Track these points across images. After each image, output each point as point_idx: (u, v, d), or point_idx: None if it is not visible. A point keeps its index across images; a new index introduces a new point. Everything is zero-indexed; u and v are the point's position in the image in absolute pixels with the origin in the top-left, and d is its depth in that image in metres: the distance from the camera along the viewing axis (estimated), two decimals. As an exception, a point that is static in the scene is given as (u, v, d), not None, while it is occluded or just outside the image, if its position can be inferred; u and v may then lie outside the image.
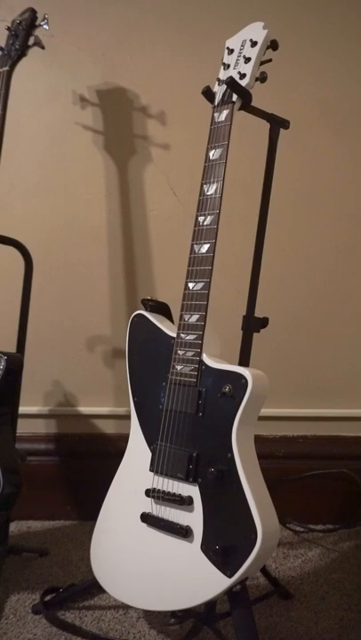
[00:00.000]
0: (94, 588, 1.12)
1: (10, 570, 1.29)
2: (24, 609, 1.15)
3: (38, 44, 1.31)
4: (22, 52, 1.31)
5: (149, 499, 1.02)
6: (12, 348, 1.28)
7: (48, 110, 1.58)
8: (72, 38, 1.56)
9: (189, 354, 1.00)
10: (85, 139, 1.59)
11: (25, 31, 1.31)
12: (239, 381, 0.93)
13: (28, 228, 1.49)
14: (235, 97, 1.04)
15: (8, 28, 1.33)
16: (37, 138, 1.58)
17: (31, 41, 1.32)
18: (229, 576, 0.89)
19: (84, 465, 1.59)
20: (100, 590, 1.09)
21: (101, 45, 1.57)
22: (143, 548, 1.01)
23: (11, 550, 1.31)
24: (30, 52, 1.33)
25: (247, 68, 1.04)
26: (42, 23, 1.31)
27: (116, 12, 1.56)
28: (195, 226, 1.03)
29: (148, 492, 1.01)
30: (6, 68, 1.30)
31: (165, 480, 1.00)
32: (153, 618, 1.12)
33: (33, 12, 1.33)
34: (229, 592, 0.92)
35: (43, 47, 1.31)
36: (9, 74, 1.30)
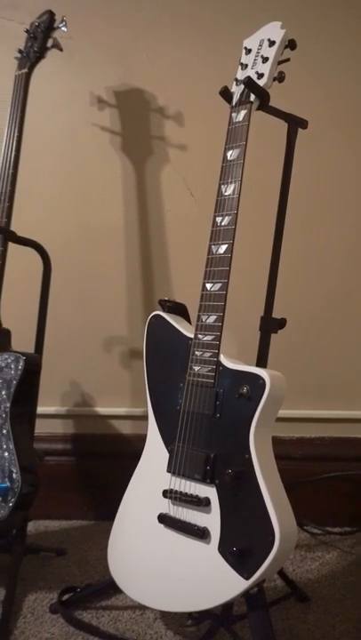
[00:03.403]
0: (111, 588, 1.12)
1: (27, 569, 1.30)
2: (42, 608, 1.16)
3: (56, 46, 1.32)
4: (41, 55, 1.32)
5: (167, 499, 1.02)
6: (31, 349, 1.29)
7: (66, 112, 1.59)
8: (89, 40, 1.57)
9: (207, 354, 1.00)
10: (103, 140, 1.59)
11: (43, 33, 1.32)
12: (257, 382, 0.93)
13: (45, 229, 1.50)
14: (252, 97, 1.04)
15: (27, 31, 1.34)
16: (55, 139, 1.59)
17: (49, 43, 1.33)
18: (247, 578, 0.89)
19: (101, 465, 1.60)
20: (117, 590, 1.09)
21: (119, 46, 1.58)
22: (160, 549, 1.01)
23: (28, 549, 1.31)
24: (48, 53, 1.34)
25: (265, 68, 1.03)
26: (60, 25, 1.32)
27: (132, 13, 1.57)
28: (212, 226, 1.03)
29: (166, 493, 1.01)
30: (25, 71, 1.31)
31: (183, 481, 1.00)
32: (170, 619, 1.12)
33: (51, 14, 1.33)
34: (246, 594, 0.91)
35: (61, 49, 1.32)
36: (28, 76, 1.32)
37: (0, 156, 1.29)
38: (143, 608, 1.14)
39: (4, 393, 1.19)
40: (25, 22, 1.39)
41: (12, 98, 1.31)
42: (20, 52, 1.34)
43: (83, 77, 1.58)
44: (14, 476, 1.14)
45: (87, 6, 1.57)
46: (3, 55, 1.50)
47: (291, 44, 1.04)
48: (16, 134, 1.29)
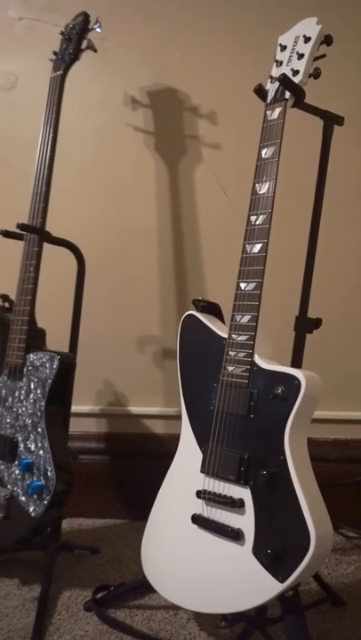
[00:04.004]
0: (144, 587, 1.12)
1: (62, 566, 1.31)
2: (76, 605, 1.17)
3: (91, 47, 1.33)
4: (75, 56, 1.33)
5: (200, 500, 1.01)
6: (65, 348, 1.30)
7: (100, 112, 1.60)
8: (123, 40, 1.58)
9: (241, 355, 0.99)
10: (136, 140, 1.60)
11: (78, 35, 1.33)
12: (292, 383, 0.91)
13: (79, 229, 1.51)
14: (287, 94, 1.02)
15: (62, 33, 1.36)
16: (89, 140, 1.61)
17: (84, 44, 1.34)
18: (281, 581, 0.88)
19: (134, 464, 1.60)
20: (151, 590, 1.09)
21: (152, 47, 1.58)
22: (194, 550, 1.00)
23: (63, 547, 1.33)
24: (83, 55, 1.34)
25: (300, 65, 1.02)
26: (94, 26, 1.33)
27: (165, 13, 1.57)
28: (247, 225, 1.02)
29: (199, 494, 1.01)
30: (60, 72, 1.33)
31: (216, 482, 0.99)
32: (203, 620, 1.12)
33: (86, 15, 1.34)
34: (281, 597, 0.90)
35: (95, 50, 1.33)
36: (63, 78, 1.33)
37: (35, 157, 1.31)
38: (177, 608, 1.14)
39: (39, 392, 1.20)
40: (60, 24, 1.40)
41: (47, 100, 1.32)
42: (55, 54, 1.35)
43: (116, 78, 1.59)
44: (49, 474, 1.15)
45: (120, 8, 1.58)
46: (38, 58, 1.52)
47: (327, 40, 1.02)
48: (51, 135, 1.30)
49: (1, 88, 1.62)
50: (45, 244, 1.28)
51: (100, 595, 1.18)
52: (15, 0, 1.61)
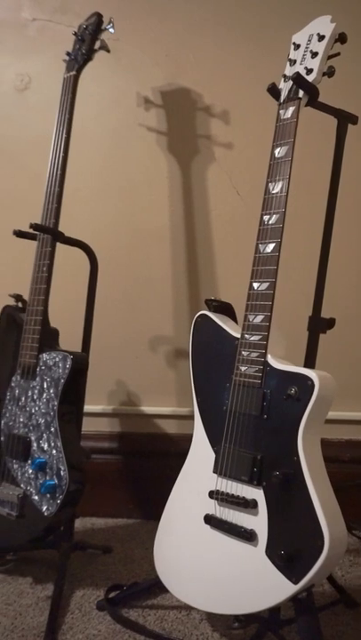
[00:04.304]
0: (157, 587, 1.12)
1: (75, 565, 1.31)
2: (89, 605, 1.17)
3: (104, 47, 1.33)
4: (89, 57, 1.33)
5: (213, 500, 1.01)
6: (78, 348, 1.31)
7: (113, 112, 1.61)
8: (136, 41, 1.58)
9: (254, 355, 0.99)
10: (149, 140, 1.60)
11: (91, 35, 1.33)
12: (305, 383, 0.91)
13: (92, 229, 1.52)
14: (301, 93, 1.02)
15: (75, 34, 1.36)
16: (102, 140, 1.61)
17: (97, 45, 1.34)
18: (295, 583, 0.87)
19: (147, 464, 1.60)
20: (163, 590, 1.09)
21: (165, 47, 1.58)
22: (206, 550, 1.00)
23: (76, 546, 1.33)
24: (96, 55, 1.35)
25: (314, 63, 1.01)
26: (107, 27, 1.33)
27: (178, 14, 1.57)
28: (260, 225, 1.02)
29: (212, 494, 1.01)
30: (73, 73, 1.33)
31: (229, 482, 0.99)
32: (216, 620, 1.12)
33: (99, 16, 1.34)
34: (295, 598, 0.90)
35: (108, 50, 1.33)
36: (76, 78, 1.33)
37: (48, 157, 1.31)
38: (189, 608, 1.14)
39: (51, 391, 1.20)
40: (73, 25, 1.41)
41: (60, 100, 1.33)
42: (68, 54, 1.36)
43: (129, 78, 1.59)
44: (62, 473, 1.15)
45: (134, 8, 1.58)
46: (52, 58, 1.53)
47: (341, 38, 1.02)
48: (64, 136, 1.30)
49: (15, 89, 1.63)
50: (58, 245, 1.29)
51: (112, 594, 1.18)
52: (28, 1, 1.61)
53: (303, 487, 0.89)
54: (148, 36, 1.58)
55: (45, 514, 1.16)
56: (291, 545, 0.89)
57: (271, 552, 0.91)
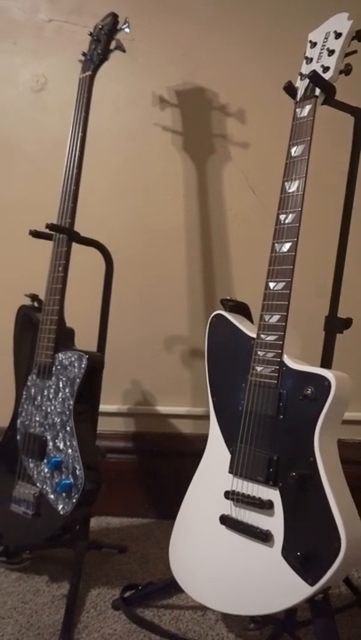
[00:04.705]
0: (172, 587, 1.12)
1: (90, 564, 1.32)
2: (104, 604, 1.17)
3: (120, 47, 1.33)
4: (104, 57, 1.34)
5: (228, 501, 1.01)
6: (93, 348, 1.31)
7: (128, 112, 1.61)
8: (152, 40, 1.58)
9: (270, 355, 0.98)
10: (164, 139, 1.60)
11: (107, 35, 1.33)
12: (322, 383, 0.90)
13: (107, 228, 1.52)
14: (318, 91, 1.01)
15: (90, 34, 1.36)
16: (118, 140, 1.61)
17: (113, 45, 1.34)
18: (311, 584, 0.86)
19: (162, 464, 1.60)
20: (178, 590, 1.09)
21: (181, 46, 1.58)
22: (222, 551, 1.00)
23: (91, 545, 1.34)
24: (112, 55, 1.35)
25: (331, 61, 1.01)
26: (123, 27, 1.33)
27: (193, 13, 1.57)
28: (276, 224, 1.01)
29: (228, 495, 1.00)
30: (89, 73, 1.33)
31: (245, 482, 0.99)
32: (232, 621, 1.11)
33: (114, 16, 1.35)
34: (311, 600, 0.89)
35: (124, 50, 1.33)
36: (91, 78, 1.33)
37: (64, 157, 1.32)
38: (205, 609, 1.14)
39: (67, 391, 1.21)
40: (89, 26, 1.41)
41: (76, 100, 1.33)
42: (83, 55, 1.36)
43: (145, 78, 1.59)
44: (77, 472, 1.16)
45: (149, 8, 1.58)
46: (68, 59, 1.54)
47: (358, 36, 1.01)
48: (80, 135, 1.31)
49: (31, 90, 1.63)
50: (74, 245, 1.29)
51: (128, 593, 1.18)
52: (45, 2, 1.62)
53: (320, 488, 0.88)
54: (164, 36, 1.58)
55: (61, 513, 1.16)
56: (307, 546, 0.88)
57: (287, 553, 0.91)
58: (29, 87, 1.64)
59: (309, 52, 1.05)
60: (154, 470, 1.62)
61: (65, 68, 1.59)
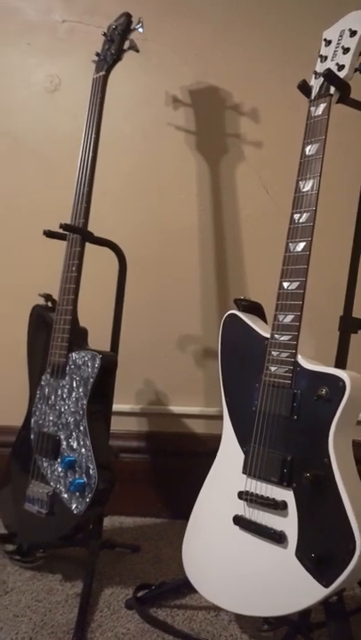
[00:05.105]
0: (185, 587, 1.12)
1: (103, 564, 1.32)
2: (117, 603, 1.18)
3: (133, 47, 1.33)
4: (118, 57, 1.34)
5: (242, 501, 1.00)
6: (106, 347, 1.31)
7: (142, 112, 1.61)
8: (165, 40, 1.58)
9: (284, 355, 0.98)
10: (178, 139, 1.60)
11: (120, 35, 1.33)
12: (336, 384, 0.90)
13: (121, 229, 1.52)
14: (332, 89, 1.01)
15: (104, 34, 1.36)
16: (131, 140, 1.61)
17: (126, 45, 1.34)
18: (325, 586, 0.86)
19: (175, 463, 1.60)
20: (191, 590, 1.08)
21: (194, 46, 1.57)
22: (235, 551, 1.00)
23: (105, 545, 1.34)
24: (125, 55, 1.35)
25: (346, 59, 1.00)
26: (137, 27, 1.33)
27: (207, 13, 1.56)
28: (290, 224, 1.01)
29: (241, 495, 1.00)
30: (102, 73, 1.33)
31: (259, 483, 0.98)
32: (245, 622, 1.11)
33: (128, 16, 1.35)
34: (325, 602, 0.89)
35: (137, 50, 1.33)
36: (105, 78, 1.33)
37: (78, 157, 1.32)
38: (218, 609, 1.14)
39: (81, 390, 1.21)
40: (102, 26, 1.41)
41: (89, 100, 1.34)
42: (97, 55, 1.36)
43: (158, 77, 1.59)
44: (91, 472, 1.16)
45: (162, 8, 1.58)
46: (81, 59, 1.54)
47: (374, 33, 1.00)
48: (93, 136, 1.31)
49: (45, 90, 1.64)
50: (87, 244, 1.29)
51: (141, 593, 1.18)
52: (59, 3, 1.63)
53: (334, 489, 0.88)
54: (177, 36, 1.58)
55: (75, 512, 1.17)
56: (321, 548, 0.88)
57: (301, 554, 0.90)
58: (43, 88, 1.64)
59: (324, 50, 1.04)
60: (167, 470, 1.62)
61: (78, 69, 1.60)
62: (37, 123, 1.65)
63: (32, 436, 1.30)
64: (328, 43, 1.03)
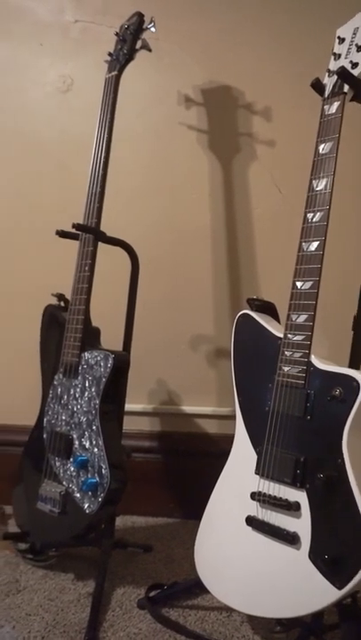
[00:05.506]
0: (197, 587, 1.12)
1: (115, 563, 1.32)
2: (129, 603, 1.18)
3: (145, 47, 1.33)
4: (130, 56, 1.34)
5: (255, 502, 1.00)
6: (119, 347, 1.31)
7: (154, 111, 1.61)
8: (177, 39, 1.57)
9: (297, 355, 0.97)
10: (190, 138, 1.59)
11: (132, 35, 1.33)
12: (350, 384, 0.89)
13: (133, 228, 1.52)
14: (346, 87, 1.00)
15: (116, 34, 1.36)
16: (143, 139, 1.61)
17: (138, 44, 1.34)
18: (339, 588, 0.85)
19: (187, 463, 1.60)
20: (203, 590, 1.08)
21: (206, 45, 1.57)
22: (248, 552, 0.99)
23: (117, 544, 1.34)
24: (137, 55, 1.35)
25: (359, 57, 0.99)
26: (149, 26, 1.33)
27: (218, 11, 1.56)
28: (303, 223, 1.00)
29: (254, 496, 1.00)
30: (115, 73, 1.33)
31: (271, 484, 0.98)
32: (257, 623, 1.10)
33: (140, 16, 1.35)
34: (339, 604, 0.88)
35: (150, 50, 1.33)
36: (117, 78, 1.34)
37: (90, 157, 1.32)
38: (230, 610, 1.13)
39: (93, 390, 1.21)
40: (114, 26, 1.41)
41: (102, 100, 1.34)
42: (109, 55, 1.36)
43: (170, 77, 1.59)
44: (103, 471, 1.16)
45: (174, 8, 1.57)
46: (94, 59, 1.54)
47: (388, 31, 0.99)
48: (106, 136, 1.31)
49: (57, 90, 1.64)
50: (100, 244, 1.29)
51: (153, 593, 1.18)
52: (70, 3, 1.63)
53: (348, 490, 0.87)
54: (189, 35, 1.57)
55: (87, 511, 1.17)
56: (335, 549, 0.87)
57: (315, 556, 0.89)
58: (56, 88, 1.64)
59: (337, 48, 1.03)
60: (179, 470, 1.61)
61: (91, 69, 1.59)
62: (50, 123, 1.65)
63: (45, 436, 1.30)
64: (342, 40, 1.03)
